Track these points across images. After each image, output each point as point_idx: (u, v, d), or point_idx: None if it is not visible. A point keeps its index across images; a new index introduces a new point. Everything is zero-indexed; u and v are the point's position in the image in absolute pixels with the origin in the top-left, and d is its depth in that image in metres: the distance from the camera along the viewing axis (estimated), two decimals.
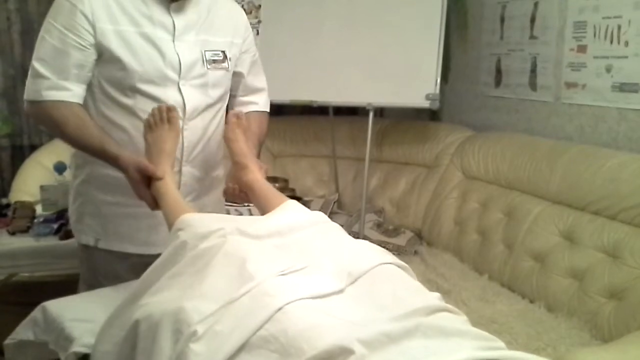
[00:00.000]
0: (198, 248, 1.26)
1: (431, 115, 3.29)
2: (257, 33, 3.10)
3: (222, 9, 1.70)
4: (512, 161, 2.51)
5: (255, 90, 1.85)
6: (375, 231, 2.84)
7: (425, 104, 2.75)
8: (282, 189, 2.67)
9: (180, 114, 1.57)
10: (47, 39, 1.49)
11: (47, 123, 1.57)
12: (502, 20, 2.88)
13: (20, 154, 3.29)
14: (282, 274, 1.17)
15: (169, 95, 1.56)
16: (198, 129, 1.64)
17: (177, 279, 1.24)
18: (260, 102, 1.86)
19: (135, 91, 1.53)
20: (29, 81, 1.53)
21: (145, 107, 1.53)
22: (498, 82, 2.94)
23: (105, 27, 1.49)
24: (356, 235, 2.38)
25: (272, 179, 2.81)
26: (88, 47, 1.49)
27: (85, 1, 1.47)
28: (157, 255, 1.37)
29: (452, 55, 3.20)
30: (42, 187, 2.36)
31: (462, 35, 3.15)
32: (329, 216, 3.05)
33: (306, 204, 2.54)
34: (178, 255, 1.28)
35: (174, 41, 1.56)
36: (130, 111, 1.55)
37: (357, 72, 2.89)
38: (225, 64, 1.67)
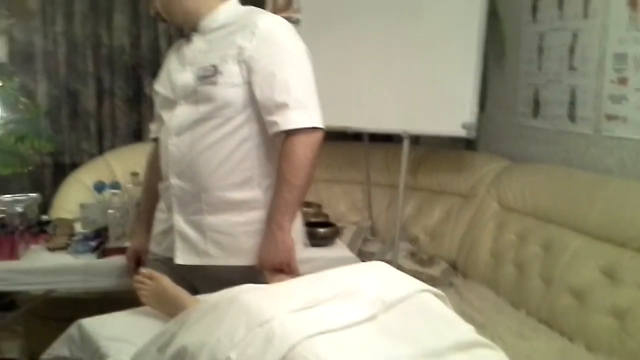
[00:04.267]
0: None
1: (467, 144, 3.27)
2: None
3: (241, 24, 1.66)
4: (550, 193, 2.47)
5: (275, 107, 1.60)
6: (408, 260, 2.81)
7: (462, 133, 2.73)
8: (316, 215, 2.68)
9: (170, 129, 1.73)
10: None
11: None
12: (541, 50, 2.86)
13: (61, 172, 3.37)
14: (300, 309, 1.16)
15: (168, 116, 1.75)
16: (184, 144, 1.69)
17: (210, 315, 1.26)
18: (282, 122, 1.60)
19: (158, 116, 1.85)
20: None
21: (161, 128, 1.80)
22: (536, 112, 2.91)
23: (159, 72, 1.86)
24: (389, 264, 2.36)
25: (305, 204, 2.81)
26: (153, 92, 1.89)
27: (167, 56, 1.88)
28: (167, 258, 1.78)
29: (489, 84, 3.18)
30: (81, 205, 2.40)
31: (499, 64, 3.14)
32: (362, 243, 3.08)
33: (339, 230, 2.54)
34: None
35: (183, 67, 1.74)
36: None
37: (393, 99, 2.89)
38: (214, 78, 1.63)
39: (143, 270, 1.67)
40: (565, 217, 2.34)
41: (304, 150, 1.59)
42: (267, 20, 1.66)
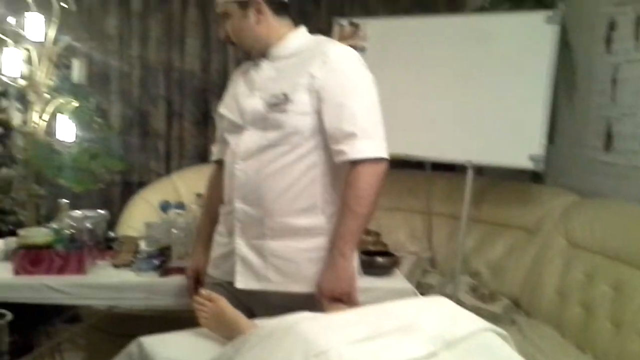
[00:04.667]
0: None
1: (533, 176, 3.17)
2: None
3: (312, 54, 1.70)
4: (621, 231, 2.36)
5: (344, 136, 1.62)
6: (469, 295, 2.74)
7: (529, 165, 2.66)
8: (374, 243, 2.65)
9: (237, 153, 1.74)
10: None
11: None
12: (614, 82, 2.76)
13: (129, 190, 3.49)
14: (358, 341, 1.14)
15: (235, 140, 1.77)
16: (251, 169, 1.71)
17: (266, 342, 1.25)
18: (350, 151, 1.61)
19: (224, 139, 1.86)
20: None
21: (228, 152, 1.81)
22: (608, 146, 2.80)
23: (225, 95, 1.89)
24: (449, 298, 2.30)
25: (364, 232, 2.79)
26: (218, 114, 1.91)
27: (229, 82, 1.92)
28: (227, 283, 1.76)
29: (558, 116, 3.09)
30: (147, 224, 2.47)
31: (569, 95, 3.04)
32: (420, 275, 3.02)
33: (398, 260, 2.50)
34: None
35: (252, 93, 1.75)
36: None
37: (458, 128, 2.86)
38: (284, 106, 1.66)
39: (203, 291, 1.69)
40: (637, 257, 2.23)
41: (369, 179, 1.61)
42: (337, 51, 1.69)
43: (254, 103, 1.72)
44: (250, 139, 1.72)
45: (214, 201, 1.94)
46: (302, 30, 1.79)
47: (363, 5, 3.73)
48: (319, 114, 1.65)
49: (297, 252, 1.71)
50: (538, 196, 2.96)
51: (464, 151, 2.81)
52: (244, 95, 1.78)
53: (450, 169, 3.41)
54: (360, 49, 3.22)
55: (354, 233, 1.63)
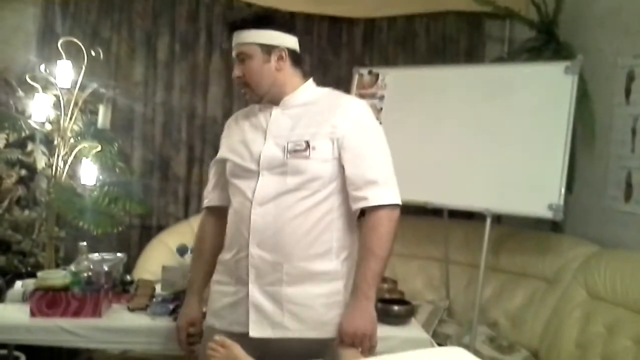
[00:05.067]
0: None
1: (552, 226, 3.14)
2: None
3: (331, 104, 1.79)
4: None
5: (365, 184, 1.70)
6: (487, 346, 2.68)
7: (548, 215, 2.64)
8: (391, 291, 2.62)
9: (251, 198, 1.74)
10: None
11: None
12: (634, 132, 2.75)
13: (147, 233, 3.52)
14: None
15: (247, 185, 1.76)
16: (268, 214, 1.71)
17: None
18: (371, 197, 1.69)
19: (231, 185, 1.84)
20: None
21: (234, 197, 1.81)
22: (628, 196, 2.77)
23: (224, 143, 1.90)
24: (466, 349, 2.26)
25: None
26: (217, 161, 1.92)
27: (225, 128, 1.95)
28: (238, 334, 1.68)
29: (577, 165, 3.08)
30: (164, 267, 2.48)
31: (588, 145, 3.04)
32: (437, 324, 2.97)
33: (414, 308, 2.47)
34: None
35: (264, 138, 1.77)
36: (230, 200, 1.85)
37: (476, 176, 2.85)
38: (306, 153, 1.71)
39: (217, 337, 1.68)
40: None
41: (389, 224, 1.70)
42: (357, 104, 1.82)
43: (271, 149, 1.75)
44: (267, 184, 1.73)
45: (208, 250, 1.95)
46: (310, 82, 1.87)
47: (382, 55, 3.79)
48: (338, 160, 1.73)
49: (313, 298, 1.72)
50: (557, 246, 2.91)
51: (483, 199, 2.79)
52: (256, 142, 1.79)
53: (468, 217, 3.39)
54: (379, 98, 3.28)
55: (376, 276, 1.69)
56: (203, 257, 1.96)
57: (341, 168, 1.73)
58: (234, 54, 1.80)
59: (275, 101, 1.81)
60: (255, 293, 1.73)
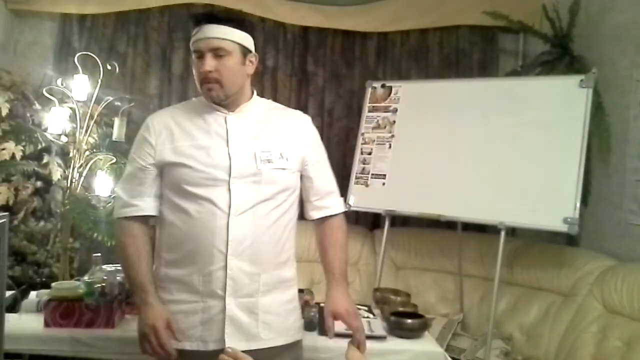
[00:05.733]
0: None
1: (568, 239, 3.11)
2: (390, 147, 3.18)
3: (286, 116, 1.89)
4: None
5: (327, 194, 1.90)
6: None
7: (563, 228, 2.61)
8: (404, 304, 2.61)
9: (226, 209, 1.69)
10: (127, 167, 1.84)
11: (116, 243, 1.84)
12: None
13: None
14: None
15: (217, 194, 1.69)
16: (246, 224, 1.70)
17: None
18: (334, 206, 1.91)
19: (185, 194, 1.71)
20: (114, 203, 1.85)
21: (194, 207, 1.70)
22: None
23: (164, 146, 1.75)
24: None
25: (393, 292, 2.76)
26: (148, 166, 1.76)
27: (151, 131, 1.78)
28: (212, 352, 1.61)
29: (592, 179, 3.05)
30: None
31: (604, 158, 3.01)
32: (451, 337, 2.94)
33: (428, 322, 2.45)
34: None
35: (227, 146, 1.73)
36: (183, 210, 1.72)
37: (490, 189, 2.84)
38: (281, 163, 1.76)
39: (228, 349, 1.67)
40: None
41: (345, 224, 1.94)
42: (310, 121, 1.93)
43: (241, 157, 1.72)
44: (243, 193, 1.70)
45: (148, 256, 1.76)
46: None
47: (395, 69, 3.80)
48: (299, 173, 1.84)
49: (281, 305, 1.80)
50: (573, 260, 2.88)
51: (497, 212, 2.77)
52: (216, 148, 1.72)
53: (481, 230, 3.37)
54: (392, 111, 3.28)
55: (346, 265, 1.88)
56: (146, 263, 1.75)
57: (299, 180, 1.84)
58: (206, 46, 1.70)
59: (230, 106, 1.78)
60: (231, 306, 1.70)
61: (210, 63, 1.70)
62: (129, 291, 2.30)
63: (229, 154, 1.72)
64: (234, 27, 1.73)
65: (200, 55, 1.73)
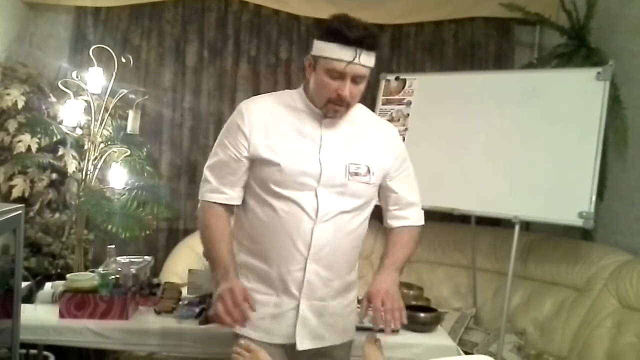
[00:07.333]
0: None
1: (583, 233, 3.08)
2: (404, 140, 3.15)
3: (375, 127, 1.84)
4: None
5: (407, 205, 1.84)
6: (515, 355, 2.64)
7: (579, 222, 2.59)
8: (416, 298, 2.60)
9: (313, 215, 1.69)
10: (217, 151, 1.79)
11: (200, 221, 1.80)
12: None
13: (174, 237, 3.56)
14: None
15: (304, 198, 1.69)
16: (328, 231, 1.70)
17: None
18: (413, 217, 1.85)
19: (273, 192, 1.71)
20: (201, 184, 1.81)
21: (281, 205, 1.70)
22: None
23: (259, 141, 1.71)
24: (493, 357, 2.22)
25: (406, 286, 2.75)
26: (242, 159, 1.73)
27: (246, 121, 1.73)
28: (274, 345, 1.68)
29: (608, 173, 3.01)
30: (190, 271, 2.50)
31: (620, 152, 2.97)
32: (464, 332, 2.94)
33: (441, 315, 2.44)
34: None
35: (319, 153, 1.71)
36: (269, 205, 1.72)
37: (504, 183, 2.82)
38: (367, 178, 1.74)
39: (242, 341, 1.68)
40: None
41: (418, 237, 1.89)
42: (396, 131, 1.91)
43: (332, 167, 1.71)
44: (329, 202, 1.71)
45: (229, 237, 1.76)
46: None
47: (410, 61, 3.78)
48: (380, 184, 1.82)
49: (345, 307, 1.83)
50: (588, 254, 2.86)
51: (511, 206, 2.76)
52: (308, 154, 1.71)
53: (495, 224, 3.35)
54: (406, 104, 3.27)
55: (404, 265, 1.81)
56: (228, 242, 1.75)
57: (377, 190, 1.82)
58: (352, 71, 1.63)
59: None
60: (304, 307, 1.73)
61: (349, 89, 1.65)
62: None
63: (319, 161, 1.70)
64: (374, 50, 1.66)
65: (340, 77, 1.64)
